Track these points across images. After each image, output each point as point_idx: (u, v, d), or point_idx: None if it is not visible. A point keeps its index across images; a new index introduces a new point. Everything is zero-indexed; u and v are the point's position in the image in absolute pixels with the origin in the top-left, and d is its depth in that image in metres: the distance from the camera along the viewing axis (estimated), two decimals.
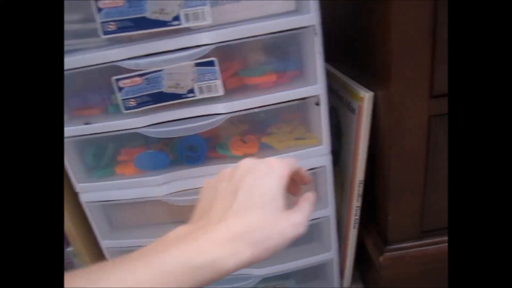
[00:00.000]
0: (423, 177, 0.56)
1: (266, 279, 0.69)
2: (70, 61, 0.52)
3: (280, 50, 0.57)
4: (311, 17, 0.50)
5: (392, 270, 0.62)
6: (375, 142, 0.59)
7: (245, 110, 0.54)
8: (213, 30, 0.50)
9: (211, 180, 0.35)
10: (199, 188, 0.59)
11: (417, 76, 0.49)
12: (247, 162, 0.34)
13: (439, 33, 0.46)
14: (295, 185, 0.38)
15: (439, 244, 0.62)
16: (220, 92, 0.52)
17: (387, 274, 0.63)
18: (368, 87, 0.57)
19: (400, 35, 0.47)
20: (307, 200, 0.35)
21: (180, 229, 0.30)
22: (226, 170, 0.35)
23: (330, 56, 0.72)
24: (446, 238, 0.62)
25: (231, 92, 0.54)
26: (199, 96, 0.53)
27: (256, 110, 0.54)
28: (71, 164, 0.59)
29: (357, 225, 0.67)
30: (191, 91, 0.53)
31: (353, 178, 0.62)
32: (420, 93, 0.50)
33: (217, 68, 0.51)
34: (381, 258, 0.61)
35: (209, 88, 0.52)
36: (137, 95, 0.53)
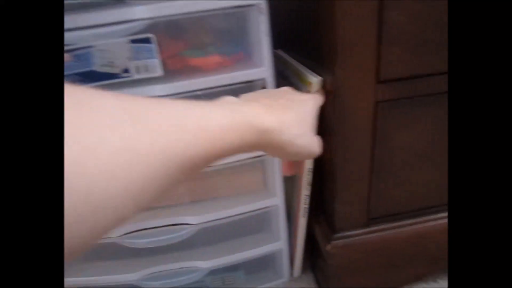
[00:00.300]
0: (370, 164, 0.55)
1: (213, 272, 0.67)
2: None
3: (226, 31, 0.54)
4: None
5: (339, 258, 0.62)
6: (323, 129, 0.58)
7: (186, 92, 0.50)
8: (150, 3, 0.45)
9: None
10: None
11: (363, 61, 0.48)
12: (286, 89, 0.46)
13: (385, 16, 0.45)
14: None
15: (386, 231, 0.62)
16: (159, 72, 0.48)
17: (335, 263, 0.62)
18: (317, 73, 0.56)
19: (345, 18, 0.45)
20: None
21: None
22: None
23: (285, 43, 0.70)
24: (393, 224, 0.62)
25: (172, 73, 0.51)
26: (136, 76, 0.49)
27: (198, 92, 0.51)
28: None
29: (306, 214, 0.66)
30: (126, 70, 0.48)
31: (302, 166, 0.61)
32: (366, 78, 0.49)
33: (154, 45, 0.47)
34: (328, 247, 0.60)
35: (146, 68, 0.48)
36: (66, 73, 0.47)
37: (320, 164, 0.62)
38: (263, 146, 0.33)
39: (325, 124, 0.57)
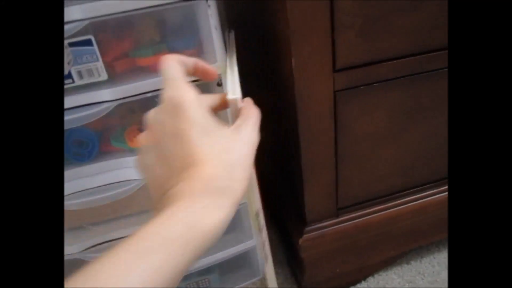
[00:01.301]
0: (334, 153, 0.55)
1: (187, 277, 0.65)
2: None
3: (175, 27, 0.51)
4: None
5: (313, 250, 0.61)
6: (286, 120, 0.57)
7: (136, 95, 0.47)
8: (86, 2, 0.42)
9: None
10: (93, 188, 0.52)
11: (319, 49, 0.46)
12: (152, 118, 0.29)
13: (337, 2, 0.44)
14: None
15: (356, 219, 0.62)
16: (103, 76, 0.45)
17: (308, 255, 0.62)
18: (274, 65, 0.54)
19: (296, 6, 0.43)
20: (245, 104, 0.32)
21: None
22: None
23: (239, 26, 0.67)
24: (362, 212, 0.62)
25: (120, 75, 0.47)
26: (78, 82, 0.45)
27: (149, 94, 0.48)
28: None
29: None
30: (68, 76, 0.45)
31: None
32: (323, 67, 0.48)
33: (95, 47, 0.44)
34: (300, 240, 0.60)
35: (89, 72, 0.45)
36: None
37: (287, 157, 0.61)
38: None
39: (286, 115, 0.55)
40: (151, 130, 0.29)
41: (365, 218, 0.62)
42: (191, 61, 0.32)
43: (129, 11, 0.43)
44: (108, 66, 0.46)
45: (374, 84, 0.51)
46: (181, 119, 0.27)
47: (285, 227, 0.68)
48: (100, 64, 0.44)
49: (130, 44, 0.50)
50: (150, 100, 0.49)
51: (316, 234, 0.60)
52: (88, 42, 0.43)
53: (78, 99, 0.46)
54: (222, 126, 0.29)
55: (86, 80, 0.45)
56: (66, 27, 0.42)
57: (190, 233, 0.24)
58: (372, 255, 0.67)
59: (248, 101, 0.33)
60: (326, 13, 0.44)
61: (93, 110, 0.46)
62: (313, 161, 0.54)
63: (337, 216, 0.61)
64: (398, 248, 0.68)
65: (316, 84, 0.48)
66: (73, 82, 0.45)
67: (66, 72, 0.44)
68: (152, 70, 0.49)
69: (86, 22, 0.42)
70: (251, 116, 0.31)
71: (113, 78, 0.47)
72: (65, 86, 0.45)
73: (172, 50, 0.50)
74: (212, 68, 0.34)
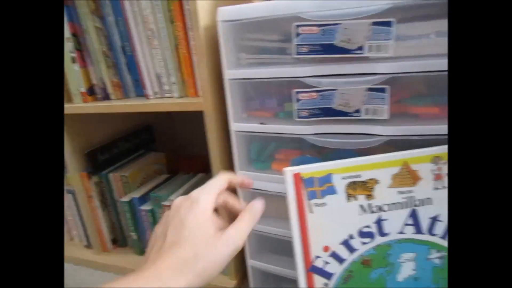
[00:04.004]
0: None
1: None
2: (261, 72, 0.64)
3: (444, 85, 0.60)
4: None
5: None
6: None
7: (403, 136, 0.58)
8: (390, 61, 0.56)
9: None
10: None
11: None
12: (175, 203, 0.39)
13: None
14: (234, 203, 0.42)
15: None
16: (385, 116, 0.58)
17: None
18: None
19: None
20: (247, 211, 0.39)
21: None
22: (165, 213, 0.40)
23: None
24: None
25: (392, 117, 0.60)
26: (363, 117, 0.60)
27: (414, 138, 0.58)
28: (239, 154, 0.72)
29: None
30: (357, 111, 0.60)
31: None
32: None
33: (387, 95, 0.57)
34: None
35: (374, 111, 0.59)
36: (310, 107, 0.62)
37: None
38: None
39: None
40: (172, 209, 0.38)
41: None
42: (238, 179, 0.43)
43: (419, 72, 0.55)
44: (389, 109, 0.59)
45: None
46: (192, 210, 0.36)
47: None
48: (386, 107, 0.58)
49: (404, 93, 0.62)
50: (413, 142, 0.59)
51: None
52: (382, 90, 0.57)
53: (358, 128, 0.60)
54: (218, 228, 0.36)
55: (370, 117, 0.59)
56: (372, 77, 0.57)
57: None
58: None
59: (251, 206, 0.40)
60: None
61: (368, 140, 0.59)
62: None
63: None
64: None
65: None
66: (360, 115, 0.60)
67: (357, 108, 0.59)
68: (419, 118, 0.59)
69: (387, 76, 0.56)
70: (244, 221, 0.37)
71: (390, 118, 0.59)
72: (353, 118, 0.60)
73: (439, 104, 0.59)
74: (247, 180, 0.44)
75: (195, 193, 0.39)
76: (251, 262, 0.84)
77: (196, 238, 0.34)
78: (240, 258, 0.89)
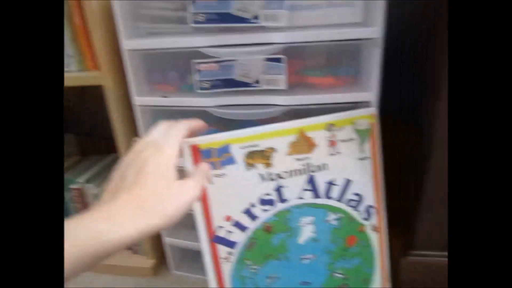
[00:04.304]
0: None
1: None
2: (159, 42, 0.61)
3: (342, 56, 0.63)
4: (376, 30, 0.55)
5: (413, 273, 0.66)
6: (418, 156, 0.63)
7: (302, 105, 0.60)
8: (286, 31, 0.56)
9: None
10: None
11: None
12: (136, 147, 0.38)
13: None
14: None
15: None
16: (283, 86, 0.59)
17: (408, 278, 0.67)
18: (420, 101, 0.62)
19: None
20: (199, 170, 0.43)
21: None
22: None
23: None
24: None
25: (291, 87, 0.61)
26: (263, 87, 0.60)
27: (311, 106, 0.60)
28: (145, 130, 0.69)
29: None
30: (257, 81, 0.60)
31: None
32: None
33: (284, 65, 0.58)
34: (404, 261, 0.65)
35: (274, 81, 0.59)
36: (211, 79, 0.61)
37: (404, 184, 0.67)
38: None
39: (419, 149, 0.62)
40: (133, 152, 0.38)
41: None
42: (197, 125, 0.44)
43: (313, 41, 0.57)
44: (286, 79, 0.60)
45: None
46: (156, 156, 0.36)
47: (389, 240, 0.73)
48: (283, 77, 0.59)
49: (303, 64, 0.64)
50: (311, 111, 0.61)
51: (421, 260, 0.65)
52: (279, 60, 0.58)
53: (260, 99, 0.61)
54: (178, 178, 0.36)
55: (270, 87, 0.60)
56: (268, 47, 0.57)
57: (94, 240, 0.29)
58: None
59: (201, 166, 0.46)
60: None
61: (269, 110, 0.60)
62: (437, 192, 0.60)
63: (447, 249, 0.64)
64: None
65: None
66: (260, 86, 0.60)
67: (257, 78, 0.60)
68: (317, 88, 0.62)
69: (283, 45, 0.57)
70: (198, 175, 0.42)
71: (288, 88, 0.60)
72: (254, 88, 0.60)
73: (335, 75, 0.62)
74: (202, 123, 0.46)
75: (159, 139, 0.38)
76: (167, 240, 0.83)
77: (159, 180, 0.34)
78: (156, 237, 0.87)
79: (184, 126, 0.41)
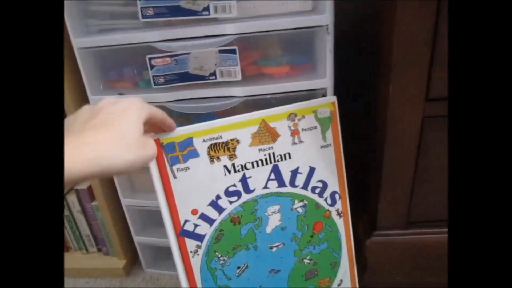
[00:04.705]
0: (413, 172, 0.61)
1: None
2: (110, 39, 0.59)
3: (295, 45, 0.63)
4: (325, 18, 0.56)
5: (376, 253, 0.69)
6: (374, 139, 0.65)
7: (259, 95, 0.60)
8: (237, 22, 0.56)
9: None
10: None
11: (415, 80, 0.54)
12: (103, 102, 0.39)
13: (438, 41, 0.51)
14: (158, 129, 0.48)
15: (425, 235, 0.67)
16: (238, 77, 0.59)
17: (372, 256, 0.69)
18: (373, 86, 0.63)
19: (403, 41, 0.52)
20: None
21: None
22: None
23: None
24: (432, 230, 0.67)
25: (248, 78, 0.61)
26: (219, 79, 0.60)
27: (268, 96, 0.61)
28: None
29: None
30: (213, 74, 0.60)
31: None
32: (416, 96, 0.55)
33: (237, 56, 0.58)
34: (368, 241, 0.68)
35: (229, 73, 0.59)
36: (166, 73, 0.60)
37: (369, 166, 0.69)
38: (95, 175, 0.34)
39: (376, 130, 0.64)
40: (108, 100, 0.40)
41: (434, 236, 0.67)
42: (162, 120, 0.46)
43: (266, 31, 0.57)
44: (242, 70, 0.60)
45: None
46: (128, 108, 0.38)
47: (354, 224, 0.75)
48: (238, 68, 0.59)
49: (259, 54, 0.64)
50: (268, 101, 0.62)
51: (383, 239, 0.67)
52: (233, 51, 0.58)
53: (217, 91, 0.61)
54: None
55: (226, 79, 0.60)
56: (220, 39, 0.57)
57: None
58: (438, 275, 0.71)
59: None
60: (427, 50, 0.52)
61: (227, 102, 0.60)
62: (393, 175, 0.62)
63: (407, 228, 0.67)
64: None
65: (407, 109, 0.56)
66: (216, 78, 0.60)
67: (212, 71, 0.60)
68: (273, 77, 0.62)
69: (235, 36, 0.57)
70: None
71: (244, 79, 0.60)
72: (210, 81, 0.60)
73: (291, 64, 0.63)
74: (172, 122, 0.49)
75: (134, 99, 0.40)
76: (137, 239, 0.82)
77: (126, 127, 0.37)
78: (126, 237, 0.86)
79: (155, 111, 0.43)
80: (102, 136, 0.35)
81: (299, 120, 0.58)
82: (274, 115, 0.57)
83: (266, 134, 0.58)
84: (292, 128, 0.59)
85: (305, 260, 0.66)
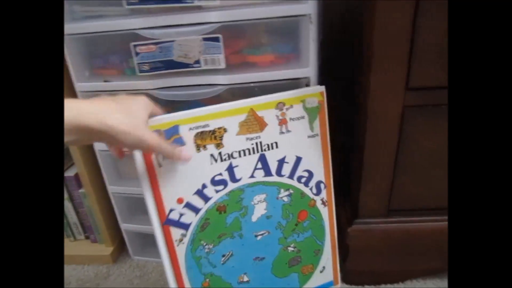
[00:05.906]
0: (393, 161, 0.63)
1: None
2: (95, 26, 0.59)
3: (280, 35, 0.63)
4: (308, 7, 0.56)
5: (358, 241, 0.70)
6: (355, 128, 0.66)
7: (243, 83, 0.61)
8: (221, 10, 0.56)
9: None
10: None
11: (395, 71, 0.55)
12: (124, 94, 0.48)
13: (417, 34, 0.52)
14: None
15: (404, 223, 0.69)
16: (222, 65, 0.60)
17: (353, 244, 0.71)
18: (355, 77, 0.64)
19: (383, 33, 0.52)
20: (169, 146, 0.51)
21: None
22: None
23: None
24: (411, 218, 0.69)
25: (233, 66, 0.62)
26: (203, 67, 0.60)
27: (252, 84, 0.61)
28: None
29: None
30: (197, 62, 0.60)
31: None
32: (397, 85, 0.56)
33: (221, 44, 0.58)
34: (349, 229, 0.69)
35: (213, 61, 0.60)
36: (150, 61, 0.60)
37: (351, 155, 0.70)
38: (94, 130, 0.40)
39: (357, 120, 0.65)
40: (120, 96, 0.47)
41: (414, 224, 0.69)
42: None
43: (249, 19, 0.57)
44: (225, 58, 0.60)
45: (442, 106, 0.57)
46: (137, 99, 0.47)
47: (337, 212, 0.77)
48: (222, 56, 0.59)
49: (244, 43, 0.64)
50: (252, 89, 0.62)
51: (365, 227, 0.69)
52: (216, 39, 0.58)
53: (201, 79, 0.61)
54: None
55: (210, 67, 0.60)
56: (204, 26, 0.57)
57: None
58: (417, 262, 0.73)
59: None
60: (406, 44, 0.53)
61: (211, 89, 0.61)
62: (373, 164, 0.63)
63: (387, 216, 0.68)
64: (440, 261, 0.73)
65: (388, 99, 0.57)
66: (200, 66, 0.60)
67: (196, 59, 0.60)
68: (258, 66, 0.62)
69: (219, 24, 0.57)
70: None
71: (228, 67, 0.61)
72: (194, 69, 0.60)
73: (275, 53, 0.63)
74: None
75: (135, 96, 0.48)
76: (124, 226, 0.83)
77: (134, 107, 0.45)
78: (113, 224, 0.86)
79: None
80: (109, 104, 0.42)
81: (287, 109, 0.59)
82: (262, 104, 0.57)
83: (254, 123, 0.58)
84: (280, 117, 0.59)
85: (289, 248, 0.67)
